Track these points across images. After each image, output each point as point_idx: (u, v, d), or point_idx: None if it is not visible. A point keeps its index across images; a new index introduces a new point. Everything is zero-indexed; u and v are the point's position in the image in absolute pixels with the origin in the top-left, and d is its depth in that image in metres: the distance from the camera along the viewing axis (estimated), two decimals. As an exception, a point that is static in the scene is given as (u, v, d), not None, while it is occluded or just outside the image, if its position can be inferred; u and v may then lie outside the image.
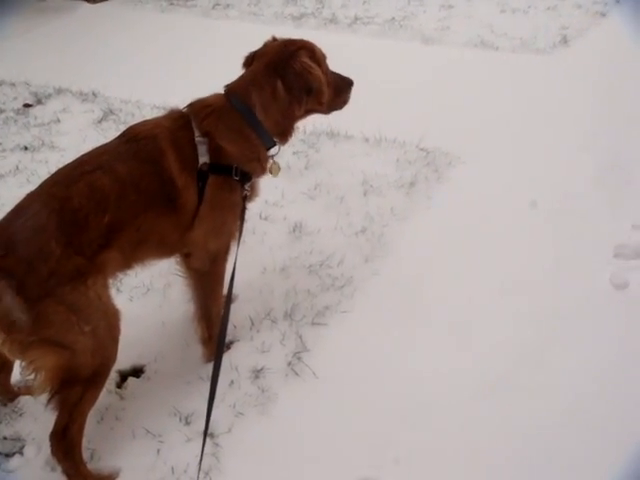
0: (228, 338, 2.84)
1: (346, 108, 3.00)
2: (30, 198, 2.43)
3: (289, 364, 2.92)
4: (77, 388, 2.36)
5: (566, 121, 4.76)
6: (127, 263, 2.62)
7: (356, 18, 7.15)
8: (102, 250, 2.40)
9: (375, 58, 5.88)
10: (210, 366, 2.61)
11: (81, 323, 2.30)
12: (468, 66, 5.80)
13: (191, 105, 2.72)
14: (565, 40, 6.27)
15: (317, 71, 2.72)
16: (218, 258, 2.81)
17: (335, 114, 3.02)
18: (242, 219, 2.74)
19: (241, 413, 2.72)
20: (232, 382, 2.83)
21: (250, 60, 2.84)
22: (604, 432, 2.57)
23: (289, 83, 2.68)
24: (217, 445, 2.60)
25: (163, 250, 2.74)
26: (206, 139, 2.60)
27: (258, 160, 2.79)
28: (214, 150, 2.62)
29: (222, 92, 2.75)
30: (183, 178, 2.56)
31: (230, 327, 2.79)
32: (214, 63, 5.17)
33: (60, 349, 2.29)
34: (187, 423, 2.68)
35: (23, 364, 2.34)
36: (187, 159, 2.58)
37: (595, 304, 3.18)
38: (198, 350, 2.98)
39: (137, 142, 2.57)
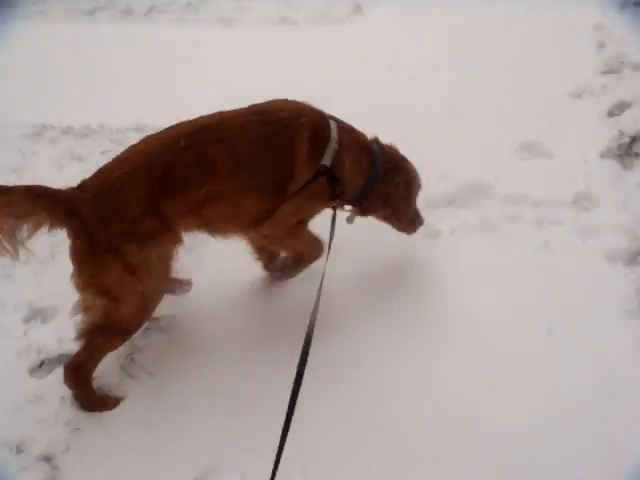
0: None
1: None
2: (134, 152, 2.52)
3: (122, 367, 2.83)
4: (109, 337, 2.58)
5: (364, 86, 4.91)
6: (206, 230, 2.75)
7: (152, 7, 6.91)
8: (187, 215, 2.55)
9: (173, 48, 5.74)
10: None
11: (135, 282, 2.47)
12: (269, 44, 5.82)
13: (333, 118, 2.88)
14: (359, 8, 6.47)
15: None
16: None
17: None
18: (333, 226, 2.81)
19: (77, 428, 2.60)
20: (63, 399, 2.68)
21: None
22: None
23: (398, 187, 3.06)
24: (55, 468, 2.47)
25: (246, 225, 2.82)
26: (337, 147, 2.78)
27: (353, 189, 2.95)
28: (338, 159, 2.79)
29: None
30: (304, 171, 2.73)
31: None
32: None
33: (111, 298, 2.47)
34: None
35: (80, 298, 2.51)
36: (316, 155, 2.74)
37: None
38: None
39: (273, 126, 2.66)
